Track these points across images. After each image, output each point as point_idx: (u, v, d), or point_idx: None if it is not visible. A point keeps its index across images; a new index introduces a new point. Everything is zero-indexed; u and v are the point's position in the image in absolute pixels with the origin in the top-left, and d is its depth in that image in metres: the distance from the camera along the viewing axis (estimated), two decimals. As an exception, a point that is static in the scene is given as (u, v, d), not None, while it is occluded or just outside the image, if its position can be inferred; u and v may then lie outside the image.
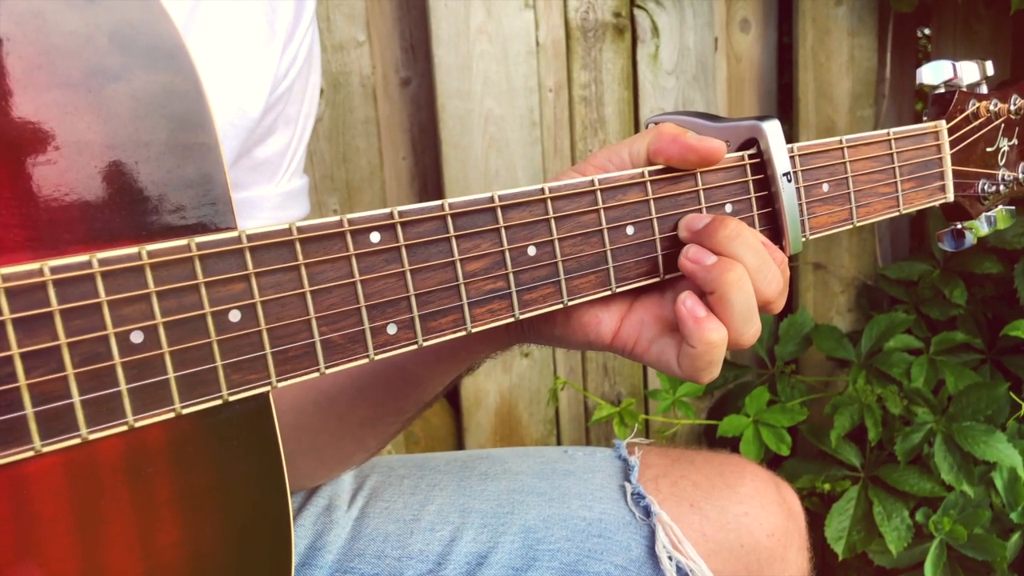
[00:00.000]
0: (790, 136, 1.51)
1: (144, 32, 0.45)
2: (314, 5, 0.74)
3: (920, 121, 0.72)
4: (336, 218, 0.48)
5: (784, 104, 1.79)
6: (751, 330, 0.57)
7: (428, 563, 0.79)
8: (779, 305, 0.59)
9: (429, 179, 1.64)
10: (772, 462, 1.63)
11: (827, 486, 1.58)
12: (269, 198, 0.75)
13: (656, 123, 0.64)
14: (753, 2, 1.73)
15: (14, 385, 0.41)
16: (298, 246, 0.47)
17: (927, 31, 1.82)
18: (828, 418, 1.58)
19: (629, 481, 0.84)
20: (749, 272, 0.56)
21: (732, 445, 1.59)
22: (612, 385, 1.77)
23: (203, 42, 0.65)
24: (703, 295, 0.58)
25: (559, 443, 1.77)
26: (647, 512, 0.81)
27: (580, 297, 0.56)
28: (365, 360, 0.50)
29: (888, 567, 1.55)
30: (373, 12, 1.56)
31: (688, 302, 0.57)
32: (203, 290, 0.45)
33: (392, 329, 0.51)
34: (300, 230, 0.47)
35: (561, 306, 0.56)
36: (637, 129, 1.69)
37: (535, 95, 1.59)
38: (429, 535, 0.80)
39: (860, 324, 1.82)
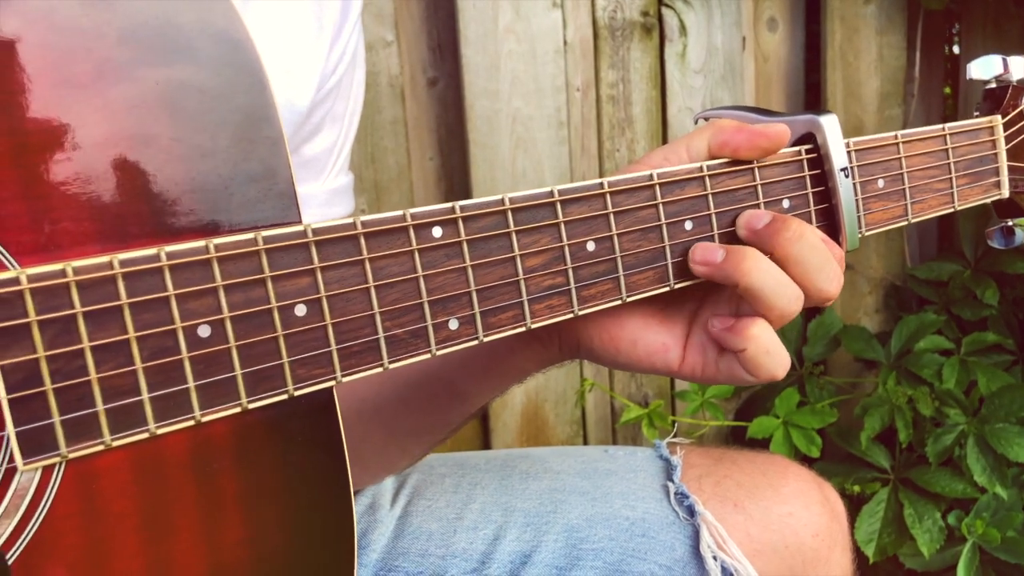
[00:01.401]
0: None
1: (211, 24, 0.45)
2: (361, 3, 0.74)
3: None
4: (399, 212, 0.48)
5: (812, 103, 1.78)
6: (792, 305, 0.56)
7: (472, 562, 0.78)
8: (835, 296, 0.58)
9: (456, 179, 1.64)
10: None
11: (856, 488, 1.57)
12: (316, 195, 0.75)
13: (706, 119, 0.63)
14: (780, 1, 1.72)
15: (85, 379, 0.41)
16: (363, 240, 0.47)
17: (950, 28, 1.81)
18: (857, 419, 1.57)
19: (672, 481, 0.83)
20: (810, 272, 0.56)
21: (761, 447, 1.58)
22: (639, 386, 1.76)
23: (253, 33, 0.65)
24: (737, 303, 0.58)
25: (586, 444, 1.76)
26: (691, 512, 0.80)
27: (638, 293, 0.56)
28: (427, 356, 0.49)
29: (920, 570, 1.53)
30: (401, 12, 1.56)
31: (714, 322, 0.58)
32: (269, 284, 0.45)
33: (454, 324, 0.50)
34: (364, 224, 0.47)
35: (620, 302, 0.55)
36: (665, 129, 1.68)
37: (563, 94, 1.59)
38: (472, 534, 0.80)
39: (888, 325, 1.81)
